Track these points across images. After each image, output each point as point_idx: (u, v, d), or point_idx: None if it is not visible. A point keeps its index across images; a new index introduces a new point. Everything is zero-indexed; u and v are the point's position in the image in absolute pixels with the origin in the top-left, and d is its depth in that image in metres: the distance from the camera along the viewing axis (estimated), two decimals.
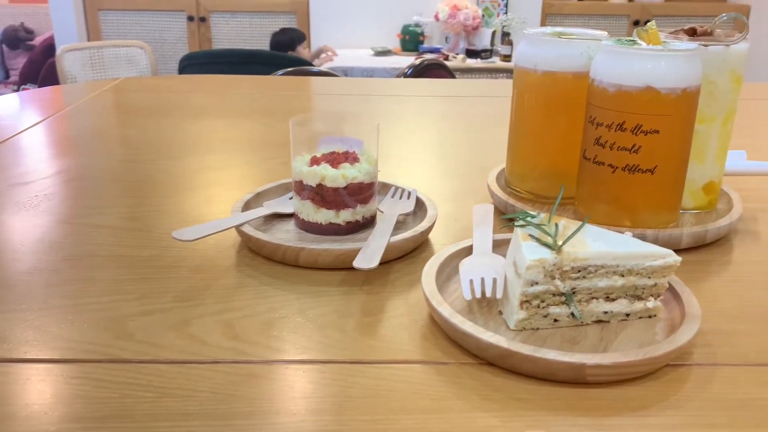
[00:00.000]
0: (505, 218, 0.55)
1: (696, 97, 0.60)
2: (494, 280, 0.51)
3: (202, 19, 4.02)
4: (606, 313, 0.50)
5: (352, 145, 0.66)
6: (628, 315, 0.50)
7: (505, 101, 0.74)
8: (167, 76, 3.42)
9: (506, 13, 3.97)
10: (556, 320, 0.49)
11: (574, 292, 0.48)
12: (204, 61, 3.02)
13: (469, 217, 0.64)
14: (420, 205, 0.69)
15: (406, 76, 2.38)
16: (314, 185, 0.62)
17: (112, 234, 0.67)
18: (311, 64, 2.93)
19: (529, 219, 0.50)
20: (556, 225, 0.49)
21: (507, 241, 0.58)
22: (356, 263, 0.54)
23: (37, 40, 4.77)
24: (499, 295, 0.50)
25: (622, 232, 0.51)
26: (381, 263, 0.56)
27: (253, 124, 1.15)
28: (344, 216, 0.63)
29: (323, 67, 2.95)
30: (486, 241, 0.58)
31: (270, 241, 0.59)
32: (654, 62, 0.58)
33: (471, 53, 3.72)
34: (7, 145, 0.98)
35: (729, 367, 0.47)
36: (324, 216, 0.63)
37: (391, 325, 0.51)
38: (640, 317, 0.50)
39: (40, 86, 3.70)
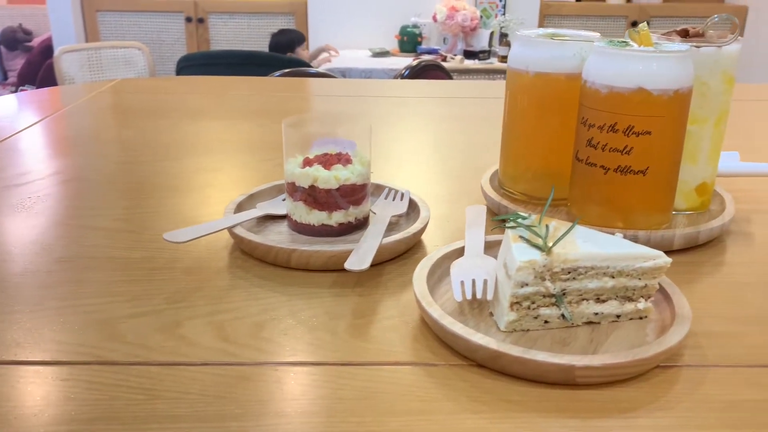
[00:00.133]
0: (496, 219, 0.55)
1: (688, 98, 0.61)
2: (485, 282, 0.51)
3: (200, 20, 4.02)
4: (596, 314, 0.50)
5: (345, 146, 0.66)
6: (618, 316, 0.50)
7: (501, 102, 0.74)
8: (164, 77, 3.43)
9: (504, 14, 3.97)
10: (546, 322, 0.49)
11: (564, 294, 0.48)
12: (202, 63, 3.02)
13: (462, 219, 0.64)
14: (413, 207, 0.69)
15: (403, 77, 2.39)
16: (306, 187, 0.62)
17: (106, 236, 0.67)
18: (309, 66, 2.93)
19: (519, 220, 0.50)
20: (547, 226, 0.49)
21: (499, 243, 0.58)
22: (348, 265, 0.54)
23: (36, 41, 4.77)
24: (489, 297, 0.50)
25: (613, 233, 0.51)
26: (373, 265, 0.56)
27: (249, 125, 1.15)
28: (337, 217, 0.63)
29: (321, 69, 2.95)
30: (478, 242, 0.58)
31: (262, 242, 0.59)
32: (646, 64, 0.58)
33: (469, 54, 3.73)
34: (2, 147, 0.98)
35: (719, 368, 0.47)
36: (316, 217, 0.63)
37: (383, 326, 0.51)
38: (631, 318, 0.51)
39: (38, 87, 3.70)
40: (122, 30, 4.03)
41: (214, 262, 0.61)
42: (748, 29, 4.00)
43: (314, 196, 0.62)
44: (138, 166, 0.90)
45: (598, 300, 0.49)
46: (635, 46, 0.61)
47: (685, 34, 0.66)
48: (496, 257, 0.54)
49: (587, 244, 0.48)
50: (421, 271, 0.54)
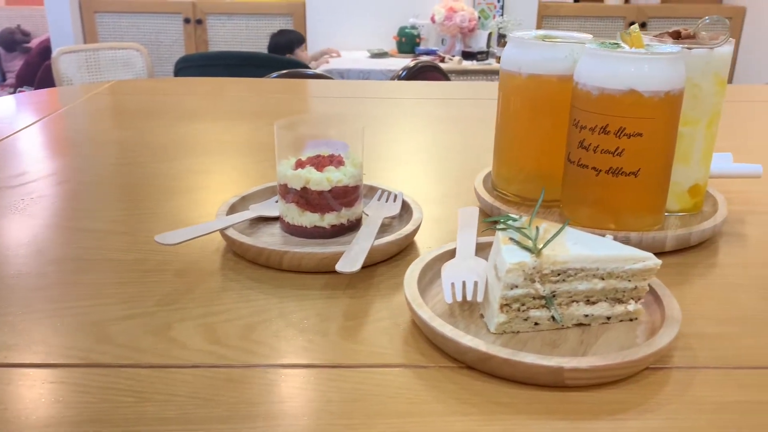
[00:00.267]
0: (487, 221, 0.55)
1: (679, 100, 0.61)
2: (475, 284, 0.51)
3: (199, 22, 4.02)
4: (587, 316, 0.50)
5: (338, 148, 0.66)
6: (609, 318, 0.50)
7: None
8: (161, 78, 3.42)
9: (502, 15, 3.98)
10: (536, 323, 0.49)
11: (554, 296, 0.48)
12: (200, 64, 3.02)
13: (456, 220, 0.64)
14: (406, 208, 0.69)
15: (400, 78, 2.39)
16: (299, 188, 0.62)
17: (99, 237, 0.67)
18: (308, 67, 2.93)
19: (510, 222, 0.50)
20: (537, 228, 0.49)
21: (491, 244, 0.58)
22: (339, 267, 0.54)
23: (34, 43, 4.77)
24: (479, 299, 0.50)
25: (604, 235, 0.52)
26: (365, 266, 0.56)
27: (244, 126, 1.15)
28: (329, 219, 0.63)
29: (319, 70, 2.95)
30: (470, 244, 0.59)
31: (253, 244, 0.59)
32: (637, 65, 0.59)
33: (467, 55, 3.73)
34: None
35: (709, 370, 0.47)
36: (309, 219, 0.63)
37: (373, 328, 0.51)
38: (621, 320, 0.51)
39: (36, 89, 3.70)
40: (120, 31, 4.03)
41: (207, 264, 0.61)
42: (746, 30, 4.00)
43: (306, 198, 0.62)
44: (133, 168, 0.90)
45: (588, 302, 0.49)
46: (626, 47, 0.61)
47: (677, 36, 0.67)
48: (487, 259, 0.54)
49: (577, 246, 0.49)
50: (412, 273, 0.54)
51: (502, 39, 3.70)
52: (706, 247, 0.66)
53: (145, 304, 0.54)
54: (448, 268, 0.54)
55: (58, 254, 0.63)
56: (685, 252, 0.65)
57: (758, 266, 0.63)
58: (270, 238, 0.64)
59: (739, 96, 1.47)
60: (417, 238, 0.67)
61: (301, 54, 3.37)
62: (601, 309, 0.50)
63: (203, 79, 1.74)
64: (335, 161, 0.63)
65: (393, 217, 0.68)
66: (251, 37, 4.05)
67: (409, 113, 1.30)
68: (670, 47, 0.62)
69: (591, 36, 0.68)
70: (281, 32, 3.47)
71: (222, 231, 0.62)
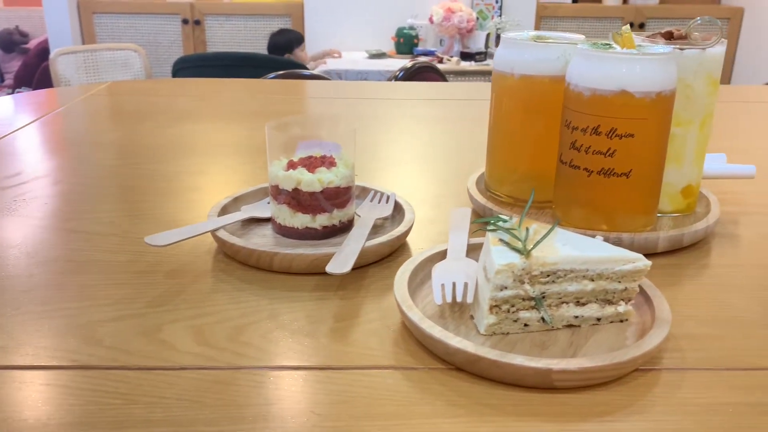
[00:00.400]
0: (478, 222, 0.55)
1: (671, 101, 0.60)
2: (465, 285, 0.51)
3: (197, 22, 4.02)
4: (576, 317, 0.50)
5: (330, 149, 0.66)
6: (599, 319, 0.50)
7: None
8: (158, 79, 3.42)
9: (500, 15, 3.98)
10: (526, 325, 0.49)
11: (543, 297, 0.48)
12: (198, 65, 3.02)
13: (448, 221, 0.64)
14: (399, 209, 0.69)
15: (397, 79, 2.38)
16: (290, 189, 0.62)
17: (90, 238, 0.67)
18: (306, 67, 2.93)
19: (500, 223, 0.50)
20: (527, 229, 0.49)
21: (482, 245, 0.58)
22: (329, 268, 0.54)
23: (32, 44, 4.77)
24: (469, 300, 0.50)
25: (593, 236, 0.51)
26: (356, 268, 0.56)
27: (239, 127, 1.15)
28: (321, 220, 0.63)
29: (317, 71, 2.95)
30: (461, 245, 0.58)
31: (244, 246, 0.59)
32: (628, 66, 0.58)
33: (465, 56, 3.73)
34: None
35: (698, 371, 0.47)
36: (300, 220, 0.63)
37: (363, 330, 0.51)
38: (612, 321, 0.50)
39: (34, 90, 3.70)
40: (118, 32, 4.02)
41: (198, 266, 0.61)
42: (744, 30, 4.00)
43: (298, 199, 0.62)
44: (125, 169, 0.90)
45: (578, 303, 0.49)
46: (618, 48, 0.61)
47: (669, 37, 0.66)
48: (478, 260, 0.54)
49: (567, 247, 0.48)
50: (402, 275, 0.54)
51: (500, 40, 3.70)
52: (699, 248, 0.66)
53: (136, 306, 0.54)
54: (438, 270, 0.54)
55: (49, 255, 0.63)
56: (678, 253, 0.65)
57: (750, 267, 0.63)
58: (261, 240, 0.64)
59: (733, 96, 1.47)
60: (409, 239, 0.66)
61: (300, 54, 3.37)
62: (591, 310, 0.50)
63: (200, 80, 1.74)
64: (327, 162, 0.63)
65: (385, 218, 0.68)
66: (249, 37, 4.05)
67: (405, 114, 1.30)
68: (662, 48, 0.62)
69: (583, 36, 0.68)
70: (281, 32, 3.47)
71: (213, 232, 0.62)
